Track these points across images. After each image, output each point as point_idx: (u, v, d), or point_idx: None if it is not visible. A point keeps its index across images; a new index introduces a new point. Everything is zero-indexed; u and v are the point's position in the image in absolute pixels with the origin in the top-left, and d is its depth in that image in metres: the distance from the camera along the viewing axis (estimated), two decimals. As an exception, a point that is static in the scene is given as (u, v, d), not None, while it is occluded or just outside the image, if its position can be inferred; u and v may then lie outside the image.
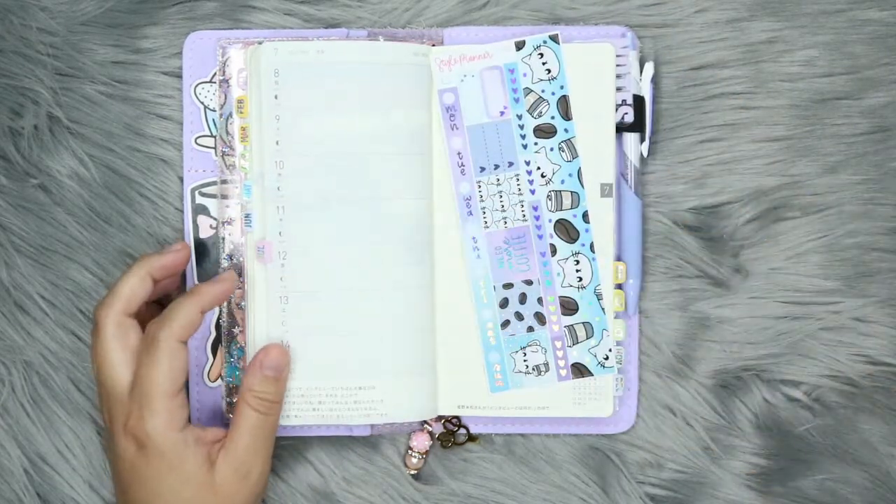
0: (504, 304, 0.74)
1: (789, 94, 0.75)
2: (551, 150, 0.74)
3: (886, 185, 0.75)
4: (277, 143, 0.73)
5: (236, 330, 0.75)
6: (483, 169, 0.74)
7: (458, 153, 0.74)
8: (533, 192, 0.74)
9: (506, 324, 0.74)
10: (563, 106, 0.74)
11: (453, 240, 0.75)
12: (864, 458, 0.75)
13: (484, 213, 0.74)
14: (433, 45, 0.74)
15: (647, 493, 0.76)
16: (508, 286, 0.74)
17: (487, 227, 0.74)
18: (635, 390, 0.76)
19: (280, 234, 0.73)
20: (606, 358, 0.74)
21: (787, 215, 0.76)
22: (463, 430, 0.76)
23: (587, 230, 0.74)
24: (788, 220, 0.76)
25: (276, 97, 0.73)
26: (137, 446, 0.67)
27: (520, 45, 0.74)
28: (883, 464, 0.75)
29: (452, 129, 0.74)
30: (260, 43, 0.73)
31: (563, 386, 0.75)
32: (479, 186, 0.74)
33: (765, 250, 0.76)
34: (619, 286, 0.75)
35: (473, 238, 0.74)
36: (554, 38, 0.73)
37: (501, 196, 0.74)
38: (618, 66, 0.74)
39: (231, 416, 0.74)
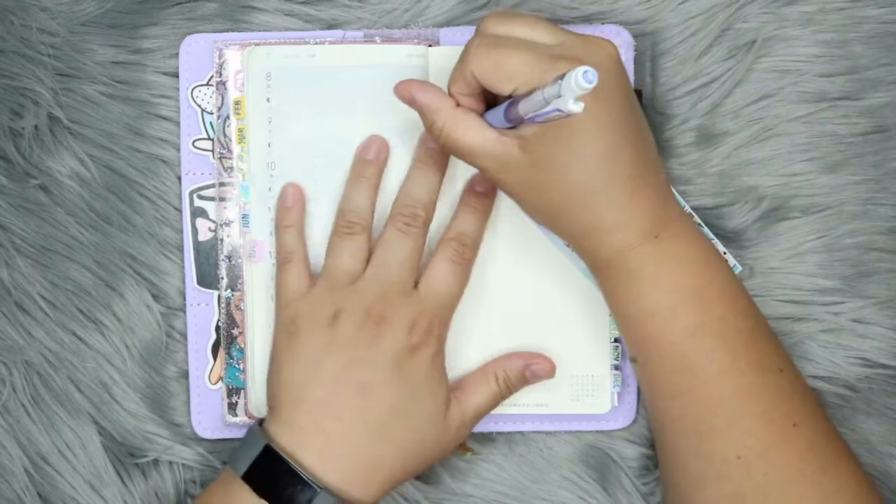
0: None
1: (789, 93, 0.75)
2: None
3: (886, 185, 0.75)
4: (269, 144, 0.74)
5: (236, 332, 0.75)
6: None
7: None
8: None
9: None
10: None
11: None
12: (864, 457, 0.75)
13: None
14: (429, 46, 0.74)
15: (649, 491, 0.76)
16: None
17: None
18: (634, 386, 0.76)
19: (271, 234, 0.74)
20: None
21: (787, 215, 0.76)
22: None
23: None
24: (788, 220, 0.76)
25: (268, 100, 0.73)
26: (414, 348, 0.69)
27: None
28: (882, 463, 0.75)
29: None
30: (256, 45, 0.74)
31: (561, 382, 0.75)
32: None
33: (765, 250, 0.76)
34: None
35: None
36: None
37: None
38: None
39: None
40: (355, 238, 0.71)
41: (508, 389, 0.73)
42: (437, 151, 0.72)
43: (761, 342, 0.67)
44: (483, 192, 0.73)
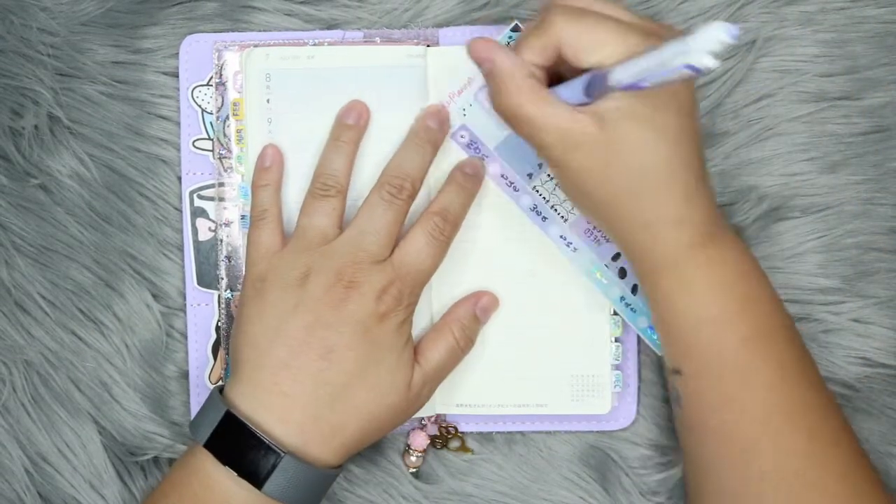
0: (622, 274, 0.73)
1: (789, 93, 0.75)
2: None
3: (886, 185, 0.75)
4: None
5: (235, 331, 0.75)
6: (530, 175, 0.74)
7: (502, 175, 0.74)
8: None
9: (634, 288, 0.73)
10: None
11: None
12: (864, 457, 0.75)
13: (555, 210, 0.74)
14: (428, 46, 0.74)
15: (649, 490, 0.76)
16: (616, 257, 0.73)
17: (566, 220, 0.73)
18: (635, 387, 0.76)
19: None
20: None
21: (787, 215, 0.76)
22: (457, 442, 0.76)
23: None
24: (788, 220, 0.76)
25: (267, 101, 0.74)
26: (382, 316, 0.67)
27: None
28: (882, 463, 0.75)
29: (483, 158, 0.74)
30: (255, 46, 0.74)
31: (561, 382, 0.75)
32: (537, 191, 0.73)
33: (765, 250, 0.76)
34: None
35: (562, 237, 0.73)
36: (515, 29, 0.73)
37: (558, 188, 0.73)
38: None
39: None
40: (330, 200, 0.70)
41: (466, 337, 0.72)
42: (435, 131, 0.72)
43: (805, 358, 0.66)
44: (472, 173, 0.72)
